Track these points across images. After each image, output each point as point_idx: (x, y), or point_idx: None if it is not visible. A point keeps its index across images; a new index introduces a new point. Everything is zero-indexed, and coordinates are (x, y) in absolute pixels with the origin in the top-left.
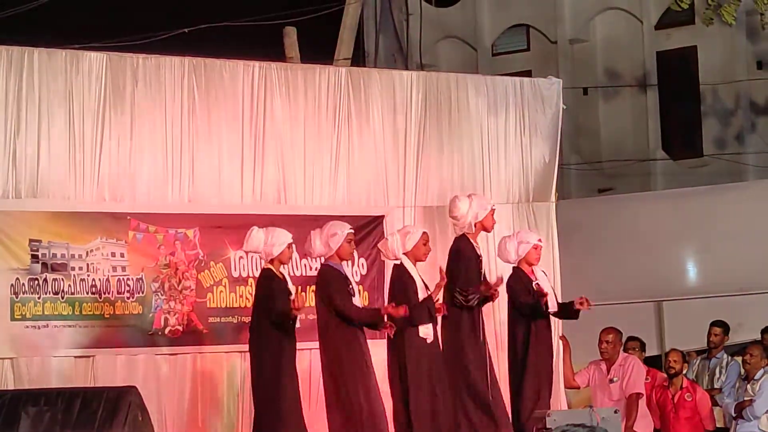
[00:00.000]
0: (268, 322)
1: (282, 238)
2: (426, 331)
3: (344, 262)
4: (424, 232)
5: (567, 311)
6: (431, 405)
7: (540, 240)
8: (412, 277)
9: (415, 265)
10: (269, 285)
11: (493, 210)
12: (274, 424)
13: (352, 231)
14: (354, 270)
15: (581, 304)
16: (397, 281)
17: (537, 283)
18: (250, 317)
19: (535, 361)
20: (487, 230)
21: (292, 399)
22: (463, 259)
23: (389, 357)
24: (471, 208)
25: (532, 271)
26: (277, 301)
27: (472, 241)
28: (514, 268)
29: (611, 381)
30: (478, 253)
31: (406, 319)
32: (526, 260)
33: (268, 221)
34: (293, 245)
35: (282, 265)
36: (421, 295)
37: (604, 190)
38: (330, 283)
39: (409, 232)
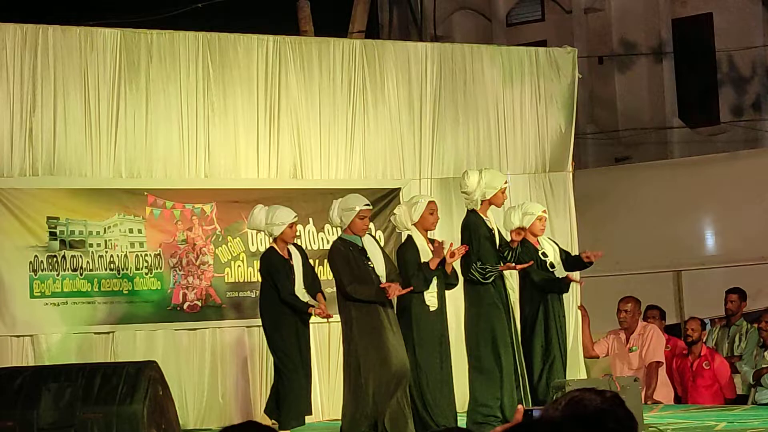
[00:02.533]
0: (278, 299)
1: (282, 217)
2: (430, 299)
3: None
4: (430, 202)
5: (577, 263)
6: (440, 375)
7: (544, 211)
8: (416, 247)
9: (425, 234)
10: (267, 264)
11: (503, 189)
12: (284, 397)
13: (368, 207)
14: (380, 245)
15: (587, 258)
16: (401, 251)
17: (543, 252)
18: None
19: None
20: (496, 206)
21: (293, 372)
22: (474, 234)
23: (401, 326)
24: (480, 184)
25: (537, 241)
26: (280, 280)
27: (482, 215)
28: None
29: (630, 350)
30: (490, 227)
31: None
32: (531, 231)
33: (285, 195)
34: (296, 224)
35: (287, 244)
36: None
37: (621, 159)
38: (335, 260)
39: (415, 203)
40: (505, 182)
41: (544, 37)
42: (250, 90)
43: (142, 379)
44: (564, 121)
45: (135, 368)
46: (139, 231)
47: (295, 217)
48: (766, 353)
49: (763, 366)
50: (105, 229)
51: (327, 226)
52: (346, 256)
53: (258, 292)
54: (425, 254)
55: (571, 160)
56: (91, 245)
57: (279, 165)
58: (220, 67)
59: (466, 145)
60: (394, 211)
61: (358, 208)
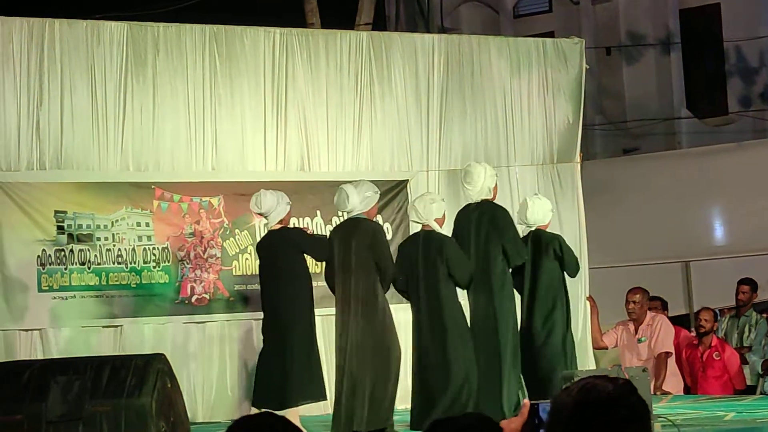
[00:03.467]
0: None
1: (288, 197)
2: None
3: None
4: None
5: None
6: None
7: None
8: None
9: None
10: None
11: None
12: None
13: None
14: None
15: None
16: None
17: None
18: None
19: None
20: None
21: (309, 363)
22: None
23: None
24: (485, 179)
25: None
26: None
27: None
28: (530, 232)
29: (639, 341)
30: None
31: None
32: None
33: (292, 188)
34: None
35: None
36: None
37: (629, 150)
38: (383, 243)
39: (435, 200)
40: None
41: (552, 28)
42: (257, 83)
43: (151, 372)
44: (572, 112)
45: (143, 361)
46: (147, 224)
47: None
48: None
49: None
50: (112, 222)
51: (335, 219)
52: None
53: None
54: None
55: (579, 152)
56: (98, 239)
57: (286, 157)
58: (227, 59)
59: (474, 136)
60: (415, 204)
61: (377, 194)
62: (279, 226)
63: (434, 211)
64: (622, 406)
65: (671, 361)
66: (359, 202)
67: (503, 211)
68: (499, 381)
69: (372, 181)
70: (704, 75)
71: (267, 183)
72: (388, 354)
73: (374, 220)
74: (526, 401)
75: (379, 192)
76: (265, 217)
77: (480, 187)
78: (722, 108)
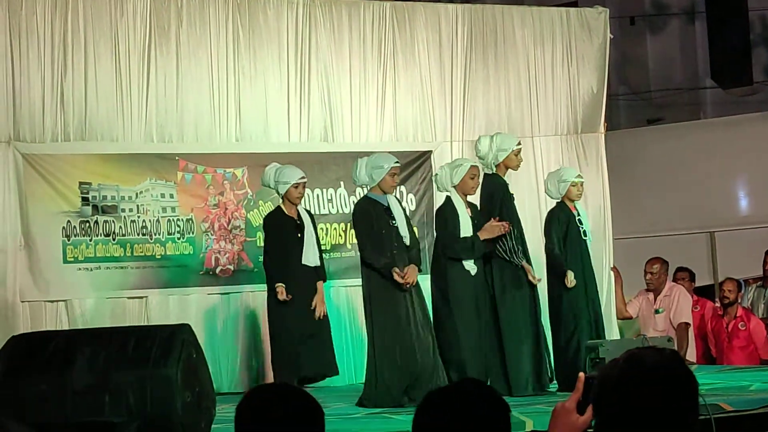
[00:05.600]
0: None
1: (287, 176)
2: (469, 263)
3: (388, 195)
4: (473, 166)
5: None
6: (477, 340)
7: (579, 176)
8: (455, 210)
9: (465, 198)
10: (265, 221)
11: (515, 151)
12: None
13: (398, 164)
14: (403, 206)
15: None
16: (440, 214)
17: (580, 219)
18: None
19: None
20: (512, 169)
21: (278, 338)
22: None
23: (432, 288)
24: (491, 148)
25: (574, 206)
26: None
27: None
28: (557, 203)
29: (657, 312)
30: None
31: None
32: (567, 197)
33: (315, 159)
34: (302, 185)
35: (295, 206)
36: (464, 230)
37: (654, 120)
38: (359, 221)
39: (458, 165)
40: (518, 144)
41: None
42: (281, 53)
43: (176, 342)
44: (596, 82)
45: (168, 331)
46: (171, 196)
47: (302, 177)
48: None
49: None
50: (137, 194)
51: (358, 190)
52: (370, 217)
53: None
54: (463, 218)
55: (604, 122)
56: (123, 210)
57: (310, 128)
58: (250, 30)
59: (498, 107)
60: (436, 171)
61: (387, 166)
62: None
63: (443, 181)
64: (670, 377)
65: (689, 332)
66: (366, 174)
67: (485, 186)
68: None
69: (395, 152)
70: (729, 45)
71: (291, 154)
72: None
73: (388, 193)
74: (582, 375)
75: (391, 164)
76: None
77: (489, 159)
78: (747, 78)
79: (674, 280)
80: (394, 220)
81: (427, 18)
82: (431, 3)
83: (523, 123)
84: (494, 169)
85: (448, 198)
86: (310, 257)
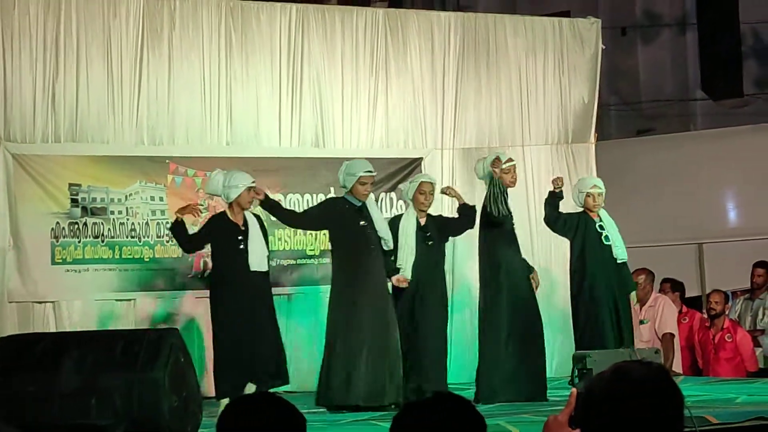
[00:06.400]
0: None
1: (239, 180)
2: (403, 272)
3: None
4: (423, 182)
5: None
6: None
7: (596, 186)
8: (401, 223)
9: (420, 213)
10: (206, 225)
11: (505, 169)
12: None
13: (370, 173)
14: (393, 212)
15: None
16: (390, 226)
17: (600, 224)
18: (287, 259)
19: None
20: (510, 185)
21: (221, 345)
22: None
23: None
24: (483, 170)
25: (597, 214)
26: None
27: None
28: (579, 212)
29: (641, 322)
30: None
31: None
32: (586, 207)
33: (306, 164)
34: (254, 189)
35: (243, 210)
36: (408, 239)
37: (644, 131)
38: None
39: (413, 180)
40: (508, 161)
41: (568, 7)
42: (273, 58)
43: (164, 347)
44: (587, 92)
45: (156, 335)
46: (161, 198)
47: (253, 181)
48: None
49: None
50: (126, 196)
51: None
52: (331, 209)
53: (277, 261)
54: (405, 234)
55: (594, 132)
56: (112, 212)
57: (301, 133)
58: (242, 35)
59: (489, 115)
60: (399, 186)
61: (359, 174)
62: None
63: (404, 194)
64: (656, 390)
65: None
66: (341, 179)
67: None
68: None
69: (386, 159)
70: (720, 56)
71: (281, 159)
72: None
73: (360, 197)
74: (574, 390)
75: (361, 173)
76: None
77: (481, 175)
78: (738, 90)
79: (660, 290)
80: (365, 221)
81: (419, 25)
82: (424, 11)
83: (513, 132)
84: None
85: (402, 214)
86: (255, 262)
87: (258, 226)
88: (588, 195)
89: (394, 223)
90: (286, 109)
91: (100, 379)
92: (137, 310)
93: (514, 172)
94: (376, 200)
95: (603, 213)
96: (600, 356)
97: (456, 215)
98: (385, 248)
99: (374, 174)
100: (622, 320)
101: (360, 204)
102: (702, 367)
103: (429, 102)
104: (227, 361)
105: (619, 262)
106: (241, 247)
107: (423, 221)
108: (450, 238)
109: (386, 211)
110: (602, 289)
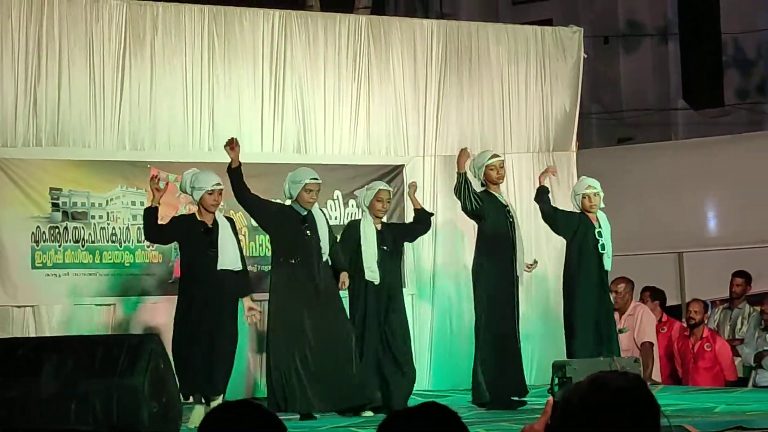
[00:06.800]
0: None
1: (202, 182)
2: (371, 274)
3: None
4: (381, 190)
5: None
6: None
7: (590, 187)
8: (358, 233)
9: (377, 221)
10: (173, 227)
11: (491, 165)
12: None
13: (315, 180)
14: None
15: None
16: (344, 231)
17: (599, 231)
18: (269, 265)
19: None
20: (492, 183)
21: (179, 352)
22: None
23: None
24: (473, 166)
25: (595, 217)
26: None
27: (493, 193)
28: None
29: (620, 331)
30: (502, 202)
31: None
32: (583, 209)
33: (288, 170)
34: (218, 192)
35: (211, 213)
36: (366, 251)
37: (625, 139)
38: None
39: (370, 188)
40: (493, 157)
41: (550, 15)
42: (255, 64)
43: (144, 352)
44: (569, 100)
45: (136, 341)
46: (142, 203)
47: (216, 183)
48: (767, 336)
49: (765, 348)
50: (107, 201)
51: (330, 202)
52: (281, 212)
53: (259, 267)
54: (367, 241)
55: (575, 140)
56: (93, 217)
57: (283, 139)
58: (225, 40)
59: (471, 123)
60: (355, 193)
61: (305, 181)
62: None
63: (360, 202)
64: (633, 401)
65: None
66: (287, 188)
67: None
68: None
69: (368, 165)
70: (701, 66)
71: (263, 165)
72: None
73: (305, 204)
74: (550, 398)
75: (306, 180)
76: None
77: (475, 176)
78: (718, 99)
79: (640, 299)
80: (308, 231)
81: (402, 33)
82: (407, 18)
83: (495, 140)
84: (484, 185)
85: (359, 220)
86: (226, 260)
87: (229, 227)
88: (584, 196)
89: (350, 229)
90: (269, 115)
91: (80, 385)
92: (117, 316)
93: (500, 168)
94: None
95: (602, 217)
96: (580, 365)
97: (412, 220)
98: (323, 259)
99: (320, 181)
100: (612, 329)
101: (305, 212)
102: (681, 376)
103: (411, 109)
104: (180, 358)
105: (605, 270)
106: (210, 247)
107: (378, 228)
108: (408, 243)
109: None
110: (592, 298)
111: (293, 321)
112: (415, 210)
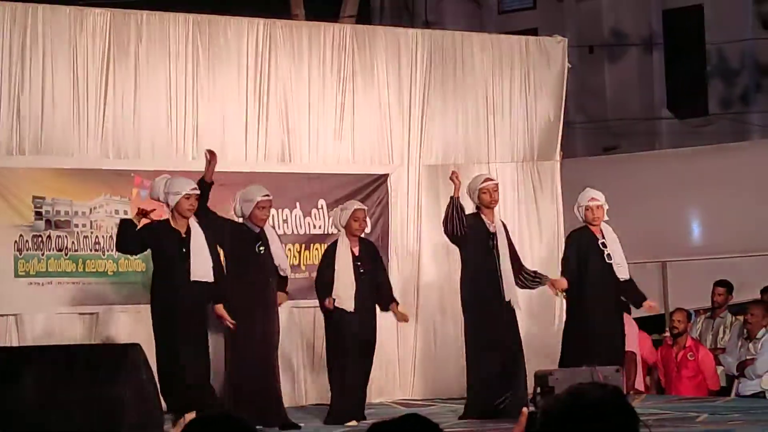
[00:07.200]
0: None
1: (179, 186)
2: (348, 303)
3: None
4: (357, 210)
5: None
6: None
7: (592, 199)
8: (334, 253)
9: (352, 239)
10: (144, 235)
11: (484, 189)
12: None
13: (267, 197)
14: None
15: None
16: (325, 253)
17: (603, 242)
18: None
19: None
20: (486, 206)
21: (163, 363)
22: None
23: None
24: (468, 189)
25: (599, 229)
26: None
27: (482, 217)
28: (580, 226)
29: None
30: (488, 230)
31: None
32: (587, 221)
33: (272, 179)
34: (194, 197)
35: (186, 219)
36: (343, 271)
37: (609, 148)
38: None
39: (345, 208)
40: (486, 181)
41: (535, 25)
42: (240, 73)
43: (125, 362)
44: (553, 110)
45: (118, 351)
46: (125, 212)
47: (193, 188)
48: (750, 345)
49: (747, 357)
50: (91, 209)
51: (314, 211)
52: (226, 234)
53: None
54: (342, 260)
55: (560, 149)
56: (76, 225)
57: (267, 148)
58: (209, 49)
59: (455, 132)
60: (330, 213)
61: (257, 199)
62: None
63: (336, 221)
64: (612, 413)
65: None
66: (239, 207)
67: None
68: None
69: (352, 175)
70: (685, 76)
71: (247, 173)
72: None
73: (259, 222)
74: (525, 409)
75: (257, 198)
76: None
77: (469, 197)
78: (702, 109)
79: None
80: (262, 248)
81: (387, 42)
82: (392, 27)
83: (479, 149)
84: (476, 201)
85: (336, 241)
86: (197, 272)
87: (203, 236)
88: (587, 208)
89: (327, 256)
90: (253, 123)
91: (61, 394)
92: (100, 325)
93: (493, 192)
94: None
95: (606, 228)
96: (561, 375)
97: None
98: (282, 275)
99: (271, 198)
100: (617, 339)
101: (258, 230)
102: (664, 386)
103: (395, 118)
104: (163, 374)
105: (621, 280)
106: (183, 254)
107: (356, 250)
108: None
109: None
110: (599, 310)
111: (241, 337)
112: None
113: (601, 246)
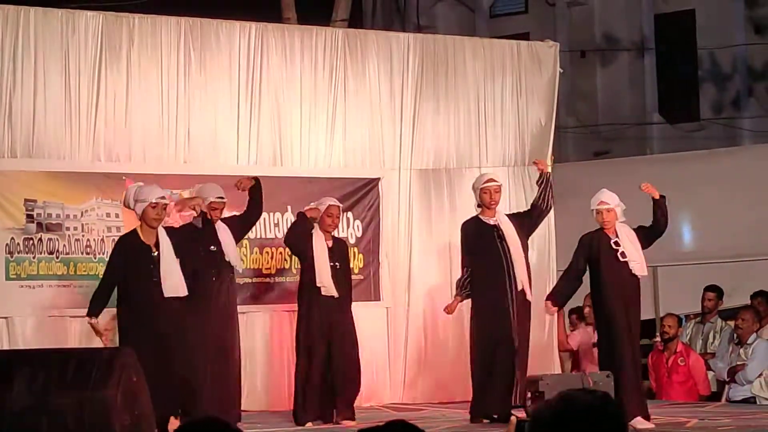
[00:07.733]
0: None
1: (145, 194)
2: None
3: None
4: (331, 206)
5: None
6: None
7: (601, 203)
8: (311, 244)
9: (326, 234)
10: (115, 246)
11: (484, 189)
12: None
13: (221, 199)
14: (349, 232)
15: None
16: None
17: (616, 241)
18: (243, 278)
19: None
20: (486, 206)
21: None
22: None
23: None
24: (472, 188)
25: (614, 231)
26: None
27: (481, 216)
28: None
29: (594, 345)
30: (488, 224)
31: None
32: (599, 224)
33: (265, 183)
34: (161, 206)
35: (153, 229)
36: (322, 257)
37: (601, 153)
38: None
39: (321, 203)
40: (488, 181)
41: (527, 29)
42: (232, 76)
43: (117, 366)
44: (544, 114)
45: (110, 354)
46: (117, 215)
47: (161, 197)
48: (741, 350)
49: (738, 363)
50: (82, 212)
51: None
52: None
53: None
54: (320, 248)
55: (551, 154)
56: (68, 228)
57: (259, 152)
58: (201, 52)
59: (447, 136)
60: (307, 208)
61: (210, 199)
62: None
63: (313, 216)
64: (602, 418)
65: None
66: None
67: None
68: None
69: (344, 178)
70: (677, 80)
71: (239, 177)
72: None
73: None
74: (513, 418)
75: (214, 198)
76: None
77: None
78: (694, 114)
79: None
80: (212, 245)
81: (379, 46)
82: (383, 31)
83: (471, 153)
84: (478, 202)
85: (312, 234)
86: (170, 287)
87: (171, 246)
88: (597, 212)
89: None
90: (244, 127)
91: (52, 398)
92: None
93: (494, 193)
94: None
95: (621, 228)
96: (552, 380)
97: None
98: (239, 270)
99: (225, 200)
100: (635, 339)
101: (206, 227)
102: (655, 391)
103: (387, 122)
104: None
105: (639, 277)
106: (152, 272)
107: (330, 244)
108: None
109: (343, 231)
110: (619, 310)
111: (195, 335)
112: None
113: (613, 245)
